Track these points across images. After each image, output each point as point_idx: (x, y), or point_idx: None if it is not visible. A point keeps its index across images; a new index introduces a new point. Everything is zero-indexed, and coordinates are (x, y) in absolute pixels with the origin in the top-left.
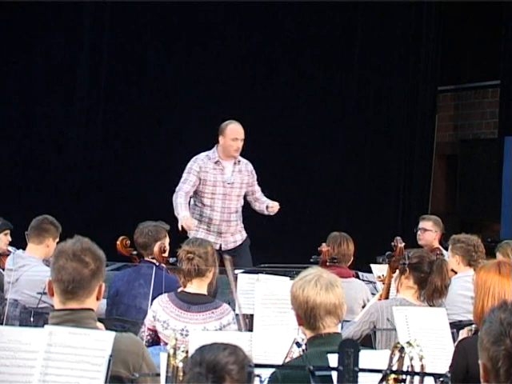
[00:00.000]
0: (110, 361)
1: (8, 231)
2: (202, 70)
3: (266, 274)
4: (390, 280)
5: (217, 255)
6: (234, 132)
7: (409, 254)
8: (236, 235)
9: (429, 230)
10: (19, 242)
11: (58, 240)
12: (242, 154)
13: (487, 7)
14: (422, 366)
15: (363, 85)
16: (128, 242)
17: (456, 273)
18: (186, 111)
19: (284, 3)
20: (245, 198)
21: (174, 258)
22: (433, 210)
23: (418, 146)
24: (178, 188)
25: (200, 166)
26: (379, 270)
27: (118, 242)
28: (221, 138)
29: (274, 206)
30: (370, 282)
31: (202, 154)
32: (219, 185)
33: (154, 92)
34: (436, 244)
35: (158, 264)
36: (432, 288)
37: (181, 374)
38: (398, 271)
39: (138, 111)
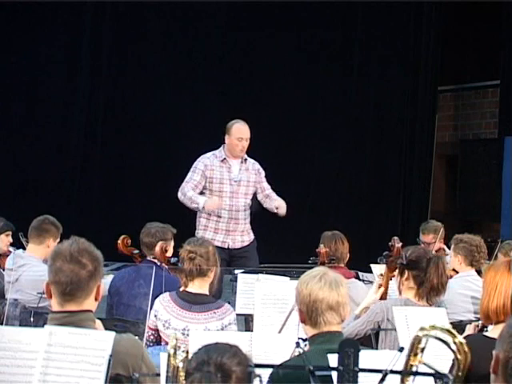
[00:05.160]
0: (110, 361)
1: (10, 232)
2: (203, 69)
3: (266, 273)
4: (387, 280)
5: (224, 254)
6: (239, 131)
7: (406, 254)
8: (244, 236)
9: (432, 243)
10: (19, 243)
11: (58, 240)
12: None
13: (487, 7)
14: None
15: (363, 85)
16: (129, 241)
17: (457, 272)
18: (187, 111)
19: (284, 3)
20: (256, 197)
21: (176, 258)
22: (433, 210)
23: (418, 146)
24: (181, 187)
25: (205, 164)
26: (379, 270)
27: (119, 241)
28: (227, 138)
29: (279, 207)
30: (370, 282)
31: (209, 153)
32: (226, 182)
33: (155, 92)
34: (441, 245)
35: (159, 264)
36: (429, 286)
37: (181, 373)
38: (397, 272)
39: (138, 111)
